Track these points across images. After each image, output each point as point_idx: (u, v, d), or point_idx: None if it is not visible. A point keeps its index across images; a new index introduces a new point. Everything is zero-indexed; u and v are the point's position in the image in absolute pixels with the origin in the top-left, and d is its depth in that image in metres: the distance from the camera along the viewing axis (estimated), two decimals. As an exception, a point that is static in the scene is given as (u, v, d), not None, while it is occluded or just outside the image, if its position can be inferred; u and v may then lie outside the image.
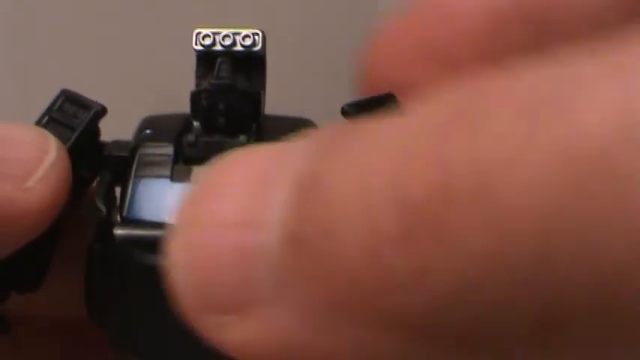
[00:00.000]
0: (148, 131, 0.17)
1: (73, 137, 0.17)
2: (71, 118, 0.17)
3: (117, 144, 0.17)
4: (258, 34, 0.17)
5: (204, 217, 0.12)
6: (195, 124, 0.17)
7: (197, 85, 0.17)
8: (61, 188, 0.15)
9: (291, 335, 0.12)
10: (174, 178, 0.16)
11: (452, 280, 0.11)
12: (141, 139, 0.17)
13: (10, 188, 0.15)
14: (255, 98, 0.17)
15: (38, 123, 0.17)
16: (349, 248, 0.11)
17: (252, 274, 0.11)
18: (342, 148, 0.12)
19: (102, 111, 0.18)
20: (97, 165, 0.17)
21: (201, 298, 0.12)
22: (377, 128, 0.12)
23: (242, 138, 0.16)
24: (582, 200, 0.11)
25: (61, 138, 0.17)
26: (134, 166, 0.16)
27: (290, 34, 0.58)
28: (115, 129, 0.18)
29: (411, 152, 0.11)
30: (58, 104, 0.17)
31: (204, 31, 0.17)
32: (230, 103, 0.17)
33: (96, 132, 0.18)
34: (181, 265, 0.12)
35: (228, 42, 0.17)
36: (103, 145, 0.18)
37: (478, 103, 0.11)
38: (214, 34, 0.17)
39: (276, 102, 0.21)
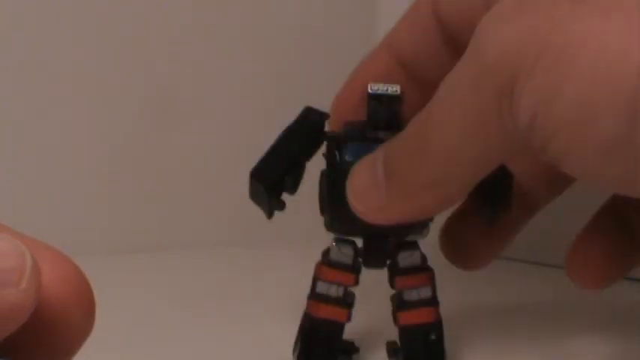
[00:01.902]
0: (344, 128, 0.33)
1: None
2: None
3: (330, 133, 0.34)
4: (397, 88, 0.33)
5: (353, 175, 0.31)
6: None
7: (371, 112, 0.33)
8: (40, 280, 0.19)
9: (399, 208, 0.30)
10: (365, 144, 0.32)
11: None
12: (345, 131, 0.33)
13: (14, 292, 0.18)
14: (397, 109, 0.33)
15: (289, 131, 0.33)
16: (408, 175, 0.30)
17: (374, 189, 0.30)
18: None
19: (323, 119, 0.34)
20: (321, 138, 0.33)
21: (357, 200, 0.30)
22: None
23: (389, 133, 0.32)
24: None
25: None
26: (346, 139, 0.33)
27: (292, 33, 0.58)
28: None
29: None
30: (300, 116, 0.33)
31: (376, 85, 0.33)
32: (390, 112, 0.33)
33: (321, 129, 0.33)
34: (351, 190, 0.31)
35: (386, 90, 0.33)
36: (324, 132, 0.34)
37: None
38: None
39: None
